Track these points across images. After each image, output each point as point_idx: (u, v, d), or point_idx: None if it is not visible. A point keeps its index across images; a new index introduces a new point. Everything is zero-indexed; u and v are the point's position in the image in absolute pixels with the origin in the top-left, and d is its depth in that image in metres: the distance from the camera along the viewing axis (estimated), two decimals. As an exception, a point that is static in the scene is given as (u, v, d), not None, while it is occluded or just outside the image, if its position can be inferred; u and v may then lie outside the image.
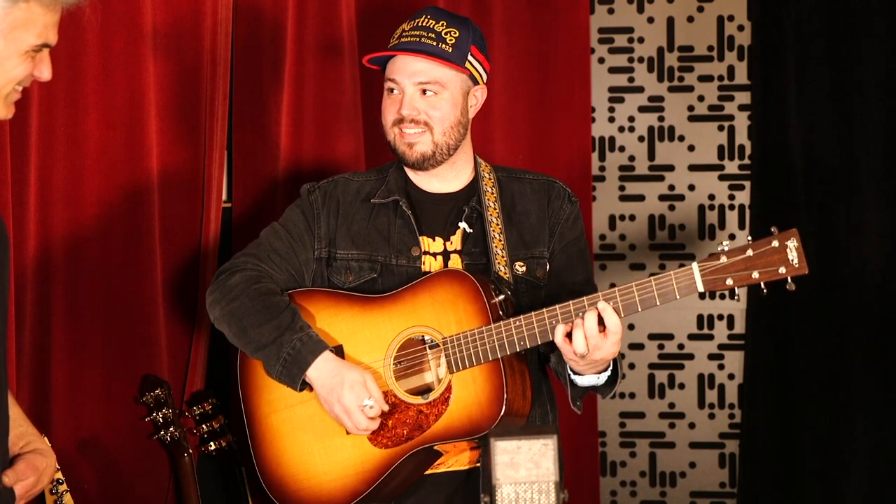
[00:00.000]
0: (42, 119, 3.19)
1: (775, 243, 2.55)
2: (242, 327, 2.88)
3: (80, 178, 3.28)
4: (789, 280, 2.55)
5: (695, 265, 2.60)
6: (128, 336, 3.37)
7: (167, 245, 3.44)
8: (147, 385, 3.36)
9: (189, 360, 3.48)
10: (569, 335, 2.68)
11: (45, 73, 2.16)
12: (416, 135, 2.90)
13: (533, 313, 2.72)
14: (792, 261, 2.53)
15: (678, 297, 2.62)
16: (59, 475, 3.04)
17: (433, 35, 2.89)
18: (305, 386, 2.84)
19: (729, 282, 2.57)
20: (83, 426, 3.32)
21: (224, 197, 3.59)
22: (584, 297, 2.69)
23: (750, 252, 2.55)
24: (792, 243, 2.53)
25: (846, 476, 4.08)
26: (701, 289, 2.61)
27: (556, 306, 2.70)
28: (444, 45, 2.88)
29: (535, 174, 3.04)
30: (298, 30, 3.62)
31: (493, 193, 2.96)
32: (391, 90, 2.93)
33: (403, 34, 2.92)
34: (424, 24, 2.91)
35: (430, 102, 2.90)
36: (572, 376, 2.83)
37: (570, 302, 2.69)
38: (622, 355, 2.82)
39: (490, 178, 2.99)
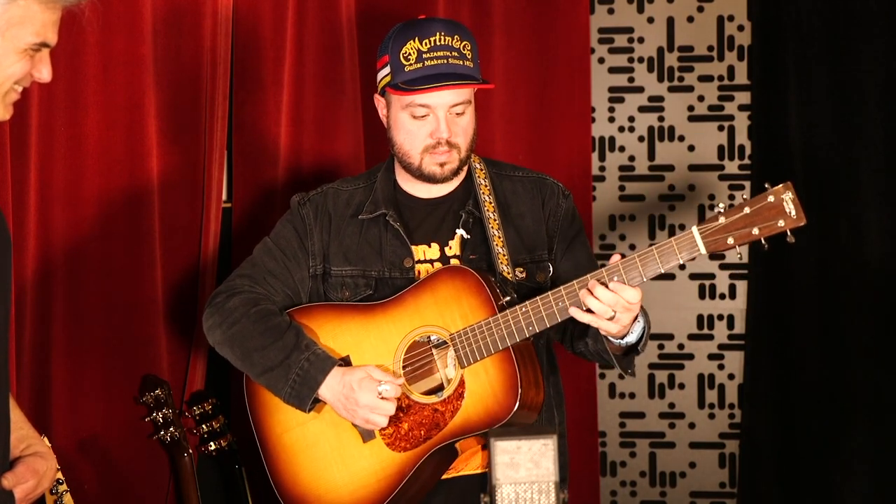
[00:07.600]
0: (42, 119, 3.19)
1: (771, 198, 2.54)
2: (246, 351, 2.87)
3: (80, 178, 3.28)
4: (789, 233, 2.55)
5: (694, 228, 2.59)
6: (128, 336, 3.38)
7: (167, 245, 3.44)
8: (147, 385, 3.36)
9: (189, 360, 3.48)
10: (588, 311, 2.67)
11: (44, 73, 2.14)
12: (446, 153, 2.86)
13: (539, 297, 2.71)
14: (790, 213, 2.53)
15: (680, 260, 2.61)
16: (59, 475, 3.04)
17: (456, 54, 2.83)
18: (313, 406, 2.83)
19: (730, 241, 2.57)
20: (83, 426, 3.33)
21: (224, 197, 3.59)
22: (588, 275, 2.67)
23: (747, 209, 2.55)
24: (787, 196, 2.52)
25: (846, 476, 4.07)
26: (703, 251, 2.59)
27: (561, 287, 2.69)
28: (467, 63, 2.84)
29: (524, 171, 3.02)
30: (298, 30, 3.62)
31: (487, 187, 2.94)
32: (419, 115, 2.85)
33: (424, 56, 2.83)
34: (442, 42, 2.83)
35: (460, 122, 2.87)
36: (618, 342, 2.78)
37: (574, 281, 2.68)
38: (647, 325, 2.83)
39: (482, 171, 2.97)
